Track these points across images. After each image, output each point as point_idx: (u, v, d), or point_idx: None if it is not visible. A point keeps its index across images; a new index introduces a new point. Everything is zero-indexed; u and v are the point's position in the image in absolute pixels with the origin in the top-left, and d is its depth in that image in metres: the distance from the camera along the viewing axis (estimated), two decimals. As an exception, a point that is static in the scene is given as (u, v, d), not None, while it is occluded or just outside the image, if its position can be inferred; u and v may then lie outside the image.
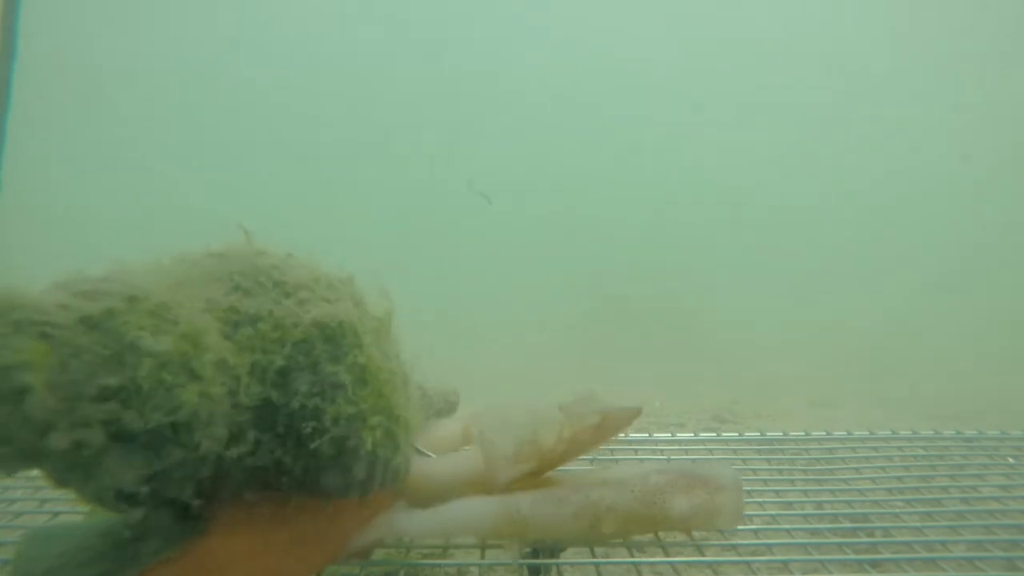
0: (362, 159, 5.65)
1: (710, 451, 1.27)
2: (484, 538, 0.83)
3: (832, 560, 0.82)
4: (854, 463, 1.20)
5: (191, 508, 0.62)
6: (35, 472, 0.54)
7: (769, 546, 0.85)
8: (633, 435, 1.27)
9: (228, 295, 0.63)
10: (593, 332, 3.83)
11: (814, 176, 5.46)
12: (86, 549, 0.60)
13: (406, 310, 0.78)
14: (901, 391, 2.66)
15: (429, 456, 0.87)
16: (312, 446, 0.62)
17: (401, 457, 0.72)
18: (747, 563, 0.82)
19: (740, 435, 1.34)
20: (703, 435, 1.34)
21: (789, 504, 1.02)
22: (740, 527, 0.86)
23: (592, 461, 1.16)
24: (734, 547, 0.84)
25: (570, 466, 0.93)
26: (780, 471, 1.16)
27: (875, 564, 0.82)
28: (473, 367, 1.92)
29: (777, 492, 1.06)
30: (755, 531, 0.89)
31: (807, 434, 1.33)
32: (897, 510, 1.00)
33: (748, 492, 1.00)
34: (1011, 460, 1.21)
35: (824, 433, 1.33)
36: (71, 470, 0.53)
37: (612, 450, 1.22)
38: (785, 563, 0.82)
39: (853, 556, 0.83)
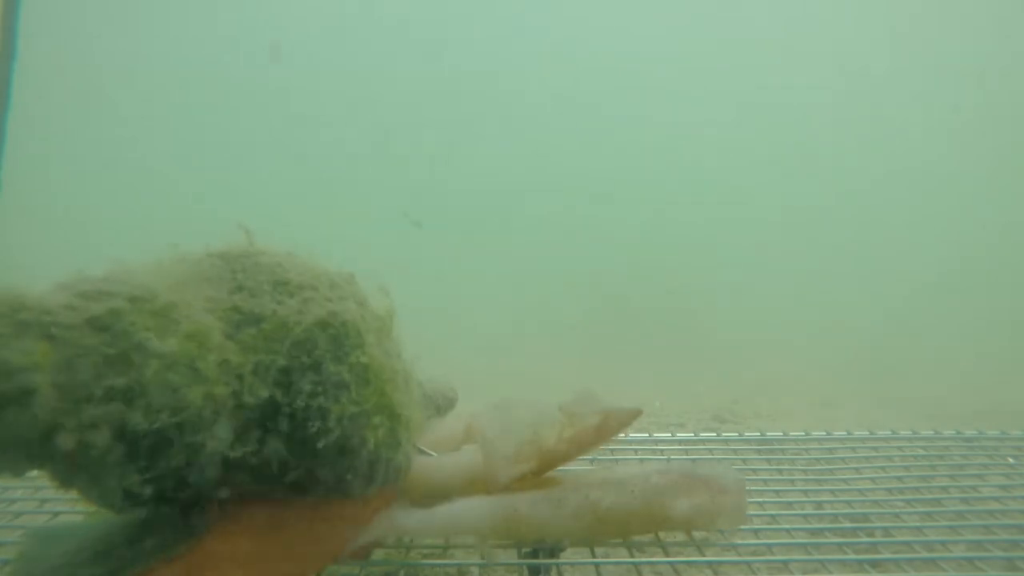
0: (362, 159, 5.64)
1: (710, 451, 1.27)
2: (484, 537, 0.83)
3: (832, 560, 0.82)
4: (854, 463, 1.21)
5: (194, 507, 0.62)
6: (35, 472, 0.54)
7: (769, 546, 0.85)
8: (633, 435, 1.27)
9: (231, 295, 0.63)
10: (593, 332, 3.83)
11: (814, 176, 5.46)
12: (88, 549, 0.61)
13: (406, 310, 0.78)
14: (901, 391, 2.66)
15: (430, 455, 0.87)
16: (317, 446, 0.63)
17: (402, 455, 0.72)
18: (747, 563, 0.82)
19: (740, 435, 1.34)
20: (703, 435, 1.34)
21: (789, 504, 1.02)
22: (740, 527, 0.86)
23: (592, 461, 1.16)
24: (734, 547, 0.84)
25: (570, 466, 0.93)
26: (780, 471, 1.16)
27: (875, 564, 0.82)
28: (473, 367, 1.92)
29: (777, 492, 1.06)
30: (755, 531, 0.89)
31: (807, 434, 1.33)
32: (897, 510, 1.00)
33: (748, 492, 1.00)
34: (1011, 460, 1.21)
35: (824, 433, 1.33)
36: (77, 471, 0.53)
37: (612, 450, 1.22)
38: (785, 563, 0.82)
39: (853, 556, 0.83)
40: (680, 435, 1.33)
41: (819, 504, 1.04)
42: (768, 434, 1.34)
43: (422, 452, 0.86)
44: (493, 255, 5.15)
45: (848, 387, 2.74)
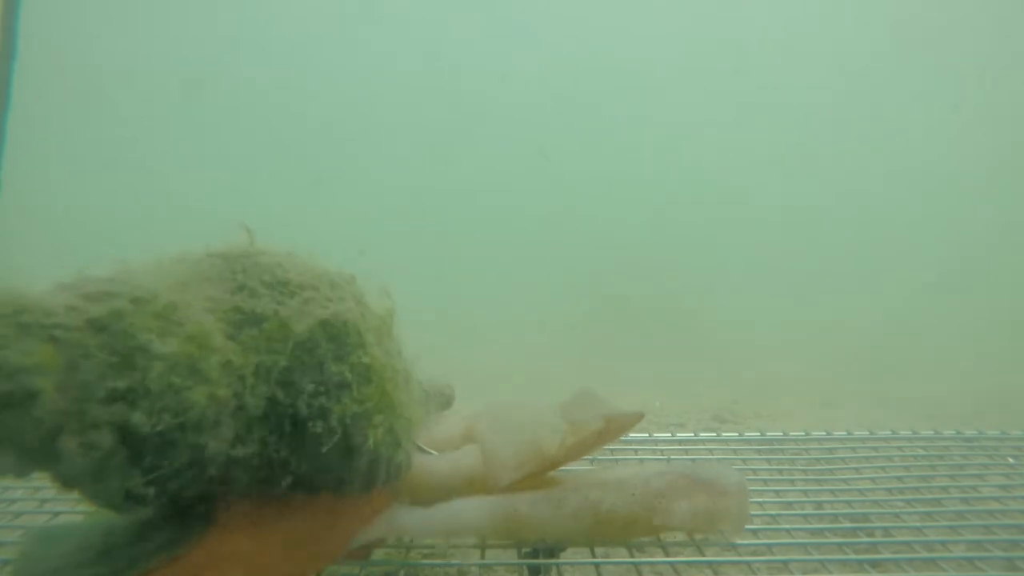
0: (362, 159, 5.65)
1: (710, 451, 1.27)
2: (483, 537, 0.83)
3: (832, 560, 0.82)
4: (854, 463, 1.21)
5: (195, 507, 0.62)
6: (36, 473, 0.54)
7: (769, 546, 0.85)
8: (633, 435, 1.27)
9: (231, 295, 0.63)
10: (593, 332, 3.83)
11: (814, 176, 5.46)
12: (90, 549, 0.61)
13: (406, 310, 0.78)
14: (901, 391, 2.66)
15: (431, 453, 0.87)
16: (318, 445, 0.63)
17: (403, 454, 0.72)
18: (747, 563, 0.82)
19: (740, 435, 1.34)
20: (703, 435, 1.34)
21: (789, 504, 1.02)
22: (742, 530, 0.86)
23: (592, 461, 1.16)
24: (734, 547, 0.84)
25: (571, 466, 0.93)
26: (780, 471, 1.16)
27: (875, 564, 0.82)
28: (473, 367, 1.92)
29: (777, 492, 1.06)
30: (755, 531, 0.89)
31: (807, 434, 1.33)
32: (897, 510, 1.00)
33: (749, 493, 1.00)
34: (1011, 460, 1.21)
35: (824, 433, 1.33)
36: (80, 472, 0.53)
37: (612, 450, 1.22)
38: (785, 563, 0.82)
39: (853, 556, 0.83)
40: (680, 435, 1.32)
41: (819, 504, 1.04)
42: (768, 434, 1.34)
43: (422, 451, 0.86)
44: (493, 255, 5.15)
45: (848, 387, 2.74)
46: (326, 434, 0.63)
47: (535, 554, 0.83)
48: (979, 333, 3.73)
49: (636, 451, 1.23)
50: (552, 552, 0.83)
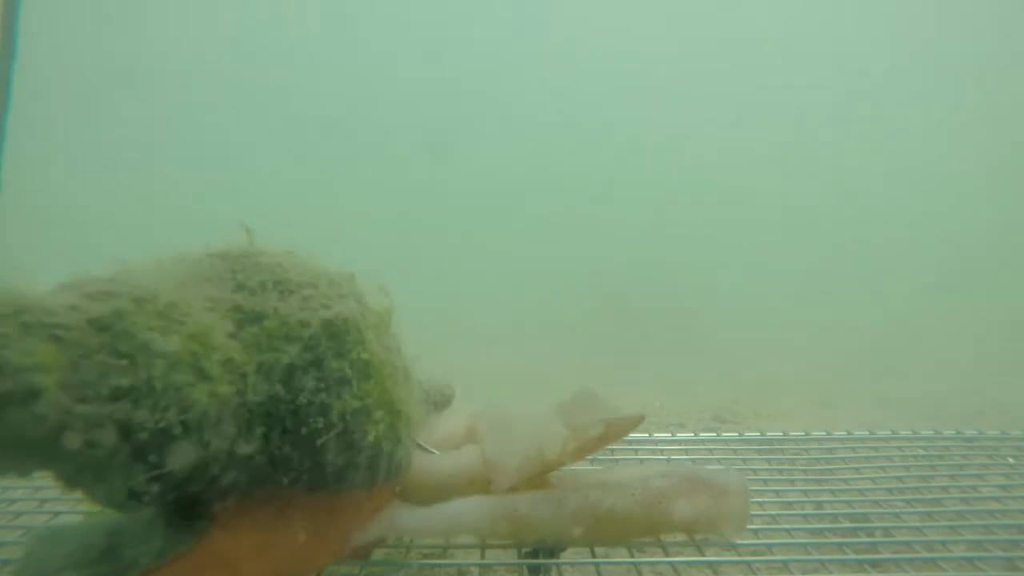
0: (362, 159, 5.65)
1: (710, 451, 1.26)
2: (483, 537, 0.83)
3: (832, 560, 0.82)
4: (854, 463, 1.20)
5: (196, 507, 0.62)
6: (37, 473, 0.55)
7: (769, 546, 0.85)
8: (633, 435, 1.27)
9: (232, 294, 0.63)
10: (593, 332, 3.83)
11: (814, 176, 5.46)
12: (93, 548, 0.61)
13: (406, 310, 0.78)
14: (901, 391, 2.66)
15: (431, 452, 0.87)
16: (320, 441, 0.63)
17: (403, 451, 0.72)
18: (747, 563, 0.82)
19: (740, 435, 1.34)
20: (703, 435, 1.34)
21: (789, 504, 1.02)
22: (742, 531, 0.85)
23: (592, 461, 1.16)
24: (734, 547, 0.84)
25: (572, 466, 0.93)
26: (780, 471, 1.16)
27: (875, 564, 0.82)
28: (473, 367, 1.92)
29: (777, 492, 1.06)
30: (755, 531, 0.89)
31: (807, 434, 1.33)
32: (897, 510, 1.00)
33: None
34: (1011, 460, 1.21)
35: (824, 433, 1.33)
36: (83, 471, 0.53)
37: (612, 450, 1.22)
38: (785, 563, 0.82)
39: (853, 556, 0.83)
40: (680, 435, 1.32)
41: (819, 504, 1.04)
42: (768, 434, 1.34)
43: (423, 449, 0.86)
44: (493, 255, 5.15)
45: (848, 387, 2.74)
46: (327, 429, 0.63)
47: (535, 554, 0.83)
48: (979, 333, 3.73)
49: (636, 451, 1.23)
50: (552, 552, 0.83)
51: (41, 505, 0.99)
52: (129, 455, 0.53)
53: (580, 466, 1.07)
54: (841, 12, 5.71)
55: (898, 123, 5.52)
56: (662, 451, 1.25)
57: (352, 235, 4.61)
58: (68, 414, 0.49)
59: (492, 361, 2.99)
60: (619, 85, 5.78)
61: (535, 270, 4.87)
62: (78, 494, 0.58)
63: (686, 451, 1.26)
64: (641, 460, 1.19)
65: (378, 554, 0.82)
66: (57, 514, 0.96)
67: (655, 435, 1.32)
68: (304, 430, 0.63)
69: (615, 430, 0.83)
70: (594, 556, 0.85)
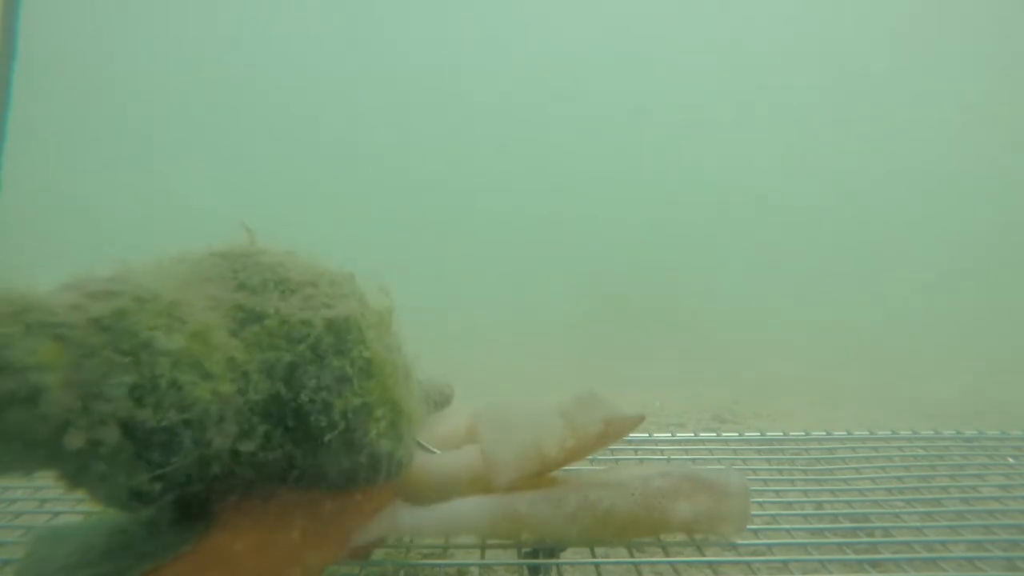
0: (362, 159, 5.65)
1: (710, 451, 1.26)
2: (483, 537, 0.83)
3: (832, 560, 0.82)
4: (854, 463, 1.20)
5: (198, 506, 0.62)
6: (37, 473, 0.55)
7: (769, 546, 0.85)
8: (633, 435, 1.27)
9: (233, 293, 0.64)
10: (593, 332, 3.83)
11: (814, 176, 5.46)
12: (95, 548, 0.61)
13: (406, 310, 0.78)
14: (901, 391, 2.66)
15: (433, 451, 0.87)
16: (322, 440, 0.63)
17: (404, 449, 0.72)
18: (747, 563, 0.82)
19: (740, 435, 1.34)
20: (703, 435, 1.34)
21: (789, 504, 1.02)
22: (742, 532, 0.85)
23: (592, 461, 1.16)
24: (734, 547, 0.84)
25: (572, 466, 0.93)
26: (780, 471, 1.16)
27: (875, 564, 0.82)
28: (473, 367, 1.92)
29: (777, 492, 1.06)
30: (755, 531, 0.89)
31: (807, 434, 1.33)
32: (897, 510, 1.00)
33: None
34: (1011, 460, 1.21)
35: (824, 433, 1.33)
36: (85, 470, 0.53)
37: (612, 450, 1.22)
38: (785, 563, 0.82)
39: (853, 556, 0.83)
40: (680, 435, 1.32)
41: (819, 504, 1.04)
42: (768, 434, 1.33)
43: (424, 448, 0.86)
44: (493, 255, 5.15)
45: (848, 387, 2.74)
46: (329, 427, 0.64)
47: (535, 554, 0.83)
48: (979, 333, 3.73)
49: (636, 451, 1.23)
50: (552, 552, 0.83)
51: (41, 505, 0.99)
52: (132, 454, 0.53)
53: (580, 466, 1.07)
54: (841, 12, 5.71)
55: (898, 123, 5.52)
56: (662, 451, 1.25)
57: (352, 235, 4.61)
58: (71, 412, 0.49)
59: (492, 361, 2.99)
60: (619, 85, 5.78)
61: (535, 270, 4.87)
62: (79, 494, 0.58)
63: (686, 451, 1.26)
64: (641, 460, 1.19)
65: (378, 554, 0.82)
66: (57, 514, 0.96)
67: (655, 435, 1.32)
68: (306, 428, 0.63)
69: (615, 429, 0.83)
70: (594, 556, 0.85)
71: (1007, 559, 0.83)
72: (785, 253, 5.11)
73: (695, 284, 4.58)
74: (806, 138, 5.60)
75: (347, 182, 5.49)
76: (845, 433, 1.33)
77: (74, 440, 0.50)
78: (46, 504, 0.99)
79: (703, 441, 1.31)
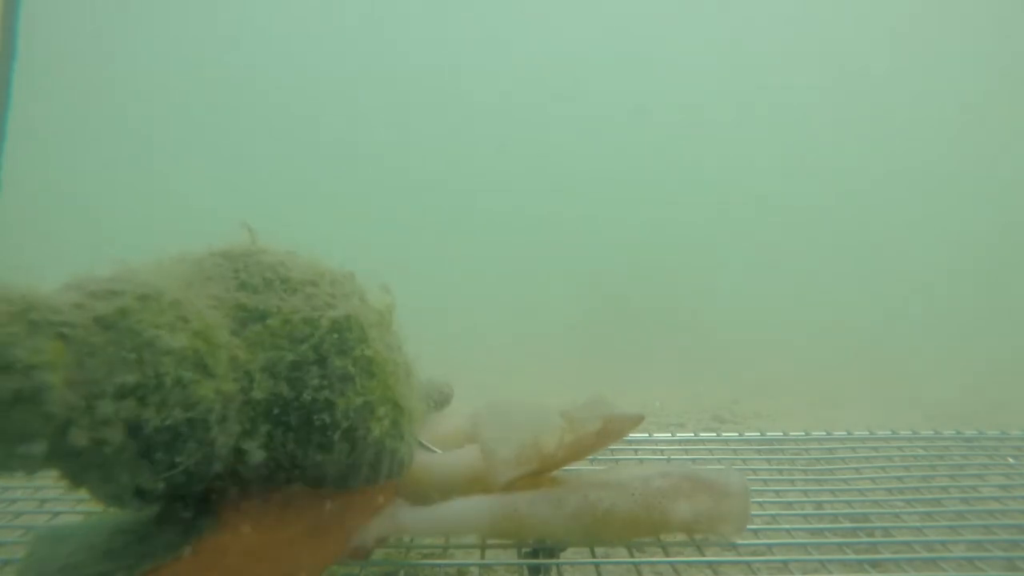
0: (362, 159, 5.65)
1: (710, 451, 1.26)
2: (483, 536, 0.83)
3: (832, 560, 0.82)
4: (854, 463, 1.20)
5: (200, 505, 0.62)
6: (40, 471, 0.55)
7: (769, 546, 0.85)
8: (633, 435, 1.27)
9: (235, 292, 0.64)
10: (593, 332, 3.83)
11: (814, 176, 5.47)
12: (97, 547, 0.61)
13: (406, 310, 0.78)
14: (901, 391, 2.66)
15: (434, 451, 0.87)
16: (324, 438, 0.63)
17: (406, 447, 0.73)
18: (747, 563, 0.82)
19: (740, 435, 1.33)
20: (703, 435, 1.34)
21: (789, 504, 1.02)
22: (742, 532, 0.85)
23: (592, 462, 1.16)
24: (734, 547, 0.84)
25: (573, 466, 0.93)
26: (780, 471, 1.16)
27: (875, 564, 0.82)
28: (473, 367, 1.92)
29: (777, 492, 1.06)
30: (755, 531, 0.89)
31: (807, 434, 1.33)
32: (897, 510, 1.00)
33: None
34: (1011, 460, 1.21)
35: (824, 433, 1.33)
36: (89, 469, 0.53)
37: (612, 450, 1.22)
38: (785, 563, 0.81)
39: (853, 556, 0.83)
40: (680, 435, 1.32)
41: (819, 504, 1.04)
42: (768, 434, 1.33)
43: (425, 448, 0.86)
44: (493, 255, 5.15)
45: (848, 387, 2.74)
46: (331, 426, 0.64)
47: (535, 554, 0.83)
48: (979, 333, 3.73)
49: (636, 451, 1.23)
50: (552, 552, 0.83)
51: (41, 505, 0.99)
52: (135, 453, 0.53)
53: (580, 466, 1.07)
54: (841, 12, 5.71)
55: (898, 123, 5.52)
56: (662, 451, 1.25)
57: (352, 235, 4.61)
58: (75, 411, 0.49)
59: (492, 361, 2.99)
60: (619, 86, 5.78)
61: (535, 270, 4.87)
62: (79, 493, 0.58)
63: (686, 451, 1.26)
64: (641, 460, 1.19)
65: (378, 554, 0.82)
66: (57, 514, 0.96)
67: (655, 435, 1.32)
68: (309, 427, 0.63)
69: (614, 428, 0.83)
70: (594, 556, 0.85)
71: (1007, 559, 0.83)
72: (785, 253, 5.12)
73: (695, 284, 4.58)
74: (806, 138, 5.60)
75: (347, 182, 5.49)
76: (845, 433, 1.32)
77: (78, 439, 0.50)
78: (46, 504, 0.99)
79: (703, 441, 1.31)
